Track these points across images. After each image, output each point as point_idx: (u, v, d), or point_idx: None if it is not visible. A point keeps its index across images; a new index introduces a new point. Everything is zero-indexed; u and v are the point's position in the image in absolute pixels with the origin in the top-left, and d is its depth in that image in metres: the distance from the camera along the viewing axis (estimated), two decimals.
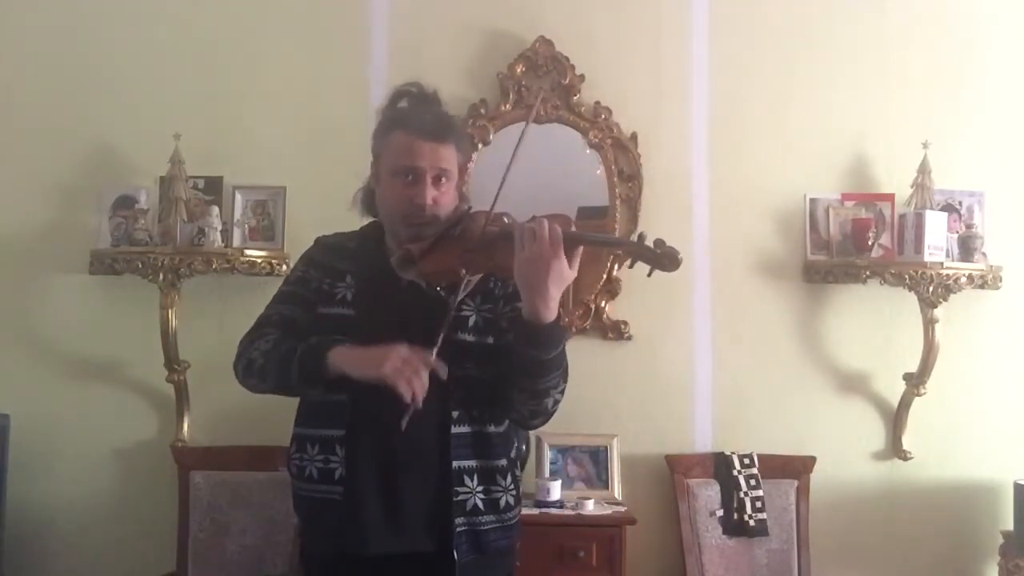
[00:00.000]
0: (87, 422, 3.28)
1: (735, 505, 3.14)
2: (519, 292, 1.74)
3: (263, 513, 3.12)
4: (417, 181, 1.87)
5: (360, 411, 1.84)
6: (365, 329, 1.83)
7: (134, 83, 3.32)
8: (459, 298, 1.82)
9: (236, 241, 3.25)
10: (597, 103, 3.33)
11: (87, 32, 3.35)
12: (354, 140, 3.32)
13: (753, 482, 3.17)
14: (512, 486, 1.95)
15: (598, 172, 3.34)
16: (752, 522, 3.13)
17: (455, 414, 1.87)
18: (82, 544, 3.25)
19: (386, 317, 1.85)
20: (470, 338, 1.89)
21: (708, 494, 3.18)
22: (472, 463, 1.89)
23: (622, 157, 3.33)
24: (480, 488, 1.89)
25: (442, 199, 1.89)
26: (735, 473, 3.18)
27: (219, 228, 3.16)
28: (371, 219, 2.05)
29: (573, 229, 1.74)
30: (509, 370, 1.80)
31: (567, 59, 3.32)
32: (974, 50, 3.40)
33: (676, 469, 3.20)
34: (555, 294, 1.70)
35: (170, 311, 3.13)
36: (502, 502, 1.92)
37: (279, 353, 1.85)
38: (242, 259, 3.14)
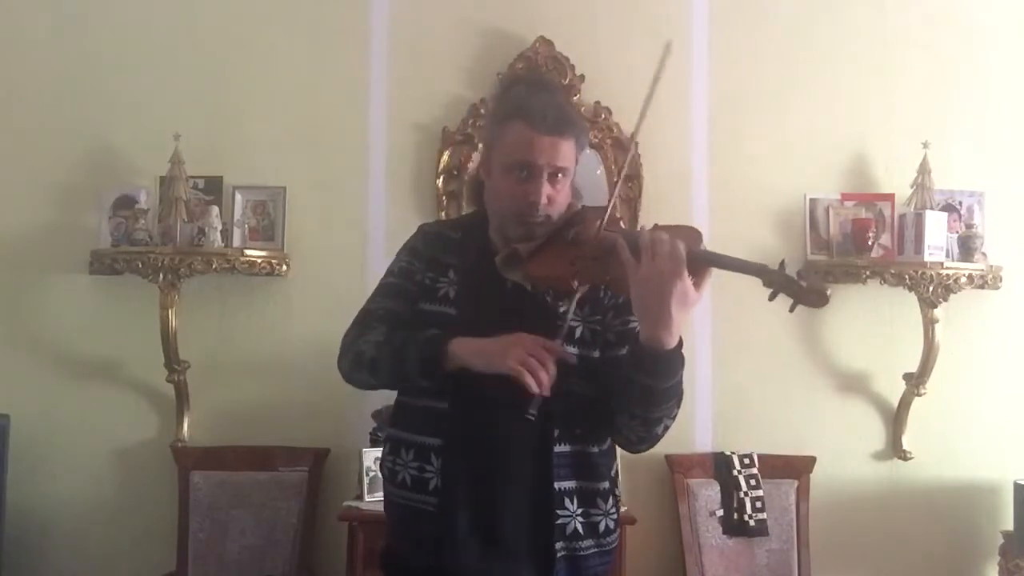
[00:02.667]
0: (87, 422, 3.28)
1: (735, 505, 3.14)
2: (630, 303, 1.62)
3: (263, 513, 3.12)
4: (532, 177, 1.72)
5: (459, 421, 1.73)
6: (466, 331, 1.70)
7: (134, 83, 3.33)
8: (569, 309, 1.67)
9: (236, 241, 3.25)
10: (597, 103, 3.33)
11: (87, 32, 3.35)
12: (354, 140, 3.35)
13: (753, 482, 3.17)
14: (613, 509, 1.81)
15: (598, 172, 3.34)
16: (752, 522, 3.13)
17: (556, 432, 1.73)
18: (82, 544, 3.26)
19: (489, 320, 1.70)
20: (575, 351, 1.73)
21: (708, 494, 3.18)
22: (572, 484, 1.75)
23: (622, 157, 3.33)
24: (580, 511, 1.75)
25: (557, 197, 1.74)
26: (735, 473, 3.18)
27: (219, 228, 3.16)
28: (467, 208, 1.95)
29: (703, 247, 1.58)
30: (617, 394, 1.67)
31: (567, 59, 3.32)
32: (974, 50, 3.40)
33: (676, 469, 3.20)
34: (679, 318, 1.54)
35: (170, 311, 3.13)
36: (602, 526, 1.78)
37: (394, 345, 1.72)
38: (242, 259, 3.14)
